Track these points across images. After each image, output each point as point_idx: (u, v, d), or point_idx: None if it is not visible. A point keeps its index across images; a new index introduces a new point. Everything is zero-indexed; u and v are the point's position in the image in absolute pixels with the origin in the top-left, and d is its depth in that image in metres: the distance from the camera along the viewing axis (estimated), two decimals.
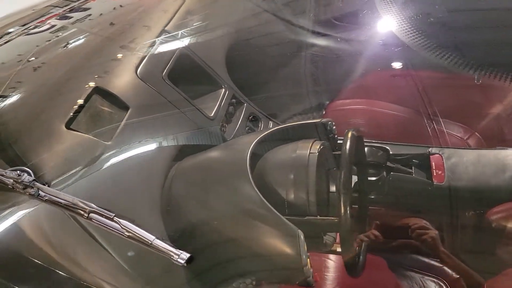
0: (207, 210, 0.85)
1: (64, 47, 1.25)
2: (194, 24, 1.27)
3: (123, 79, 1.02)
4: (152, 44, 1.12)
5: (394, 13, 1.31)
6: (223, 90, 1.20)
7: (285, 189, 0.85)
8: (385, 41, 1.41)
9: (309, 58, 1.53)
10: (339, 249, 0.98)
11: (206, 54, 1.21)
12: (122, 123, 0.90)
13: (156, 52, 1.10)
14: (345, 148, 0.83)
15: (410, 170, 1.21)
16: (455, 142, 1.41)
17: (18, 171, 0.73)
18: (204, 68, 1.19)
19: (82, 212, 0.66)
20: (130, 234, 0.64)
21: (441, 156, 1.21)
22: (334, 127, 1.01)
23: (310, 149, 0.88)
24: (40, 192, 0.68)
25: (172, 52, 1.13)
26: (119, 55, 1.14)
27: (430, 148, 1.23)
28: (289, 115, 1.40)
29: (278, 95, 1.44)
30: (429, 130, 1.40)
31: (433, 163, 1.20)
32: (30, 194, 0.70)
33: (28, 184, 0.70)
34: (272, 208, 0.77)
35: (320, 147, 0.90)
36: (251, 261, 0.78)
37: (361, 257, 0.94)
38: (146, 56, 1.06)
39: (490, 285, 0.88)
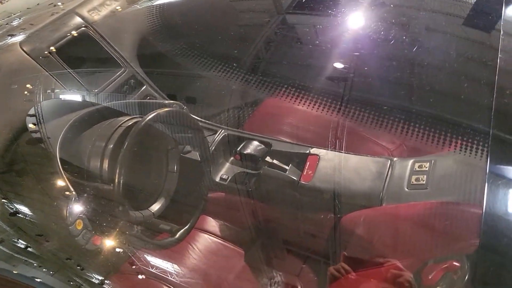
0: None
1: None
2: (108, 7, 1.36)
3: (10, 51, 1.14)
4: (50, 21, 1.22)
5: None
6: (122, 69, 1.29)
7: (88, 153, 0.92)
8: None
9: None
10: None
11: (112, 35, 1.30)
12: None
13: (51, 28, 1.21)
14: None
15: (286, 167, 1.22)
16: (377, 151, 1.38)
17: None
18: (105, 47, 1.28)
19: None
20: None
21: (318, 157, 1.21)
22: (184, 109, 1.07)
23: (122, 123, 0.94)
24: None
25: (71, 29, 1.23)
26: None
27: (313, 149, 1.23)
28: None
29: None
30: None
31: (308, 163, 1.21)
32: None
33: None
34: (60, 167, 0.85)
35: (136, 124, 0.94)
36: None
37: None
38: (35, 30, 1.18)
39: None
